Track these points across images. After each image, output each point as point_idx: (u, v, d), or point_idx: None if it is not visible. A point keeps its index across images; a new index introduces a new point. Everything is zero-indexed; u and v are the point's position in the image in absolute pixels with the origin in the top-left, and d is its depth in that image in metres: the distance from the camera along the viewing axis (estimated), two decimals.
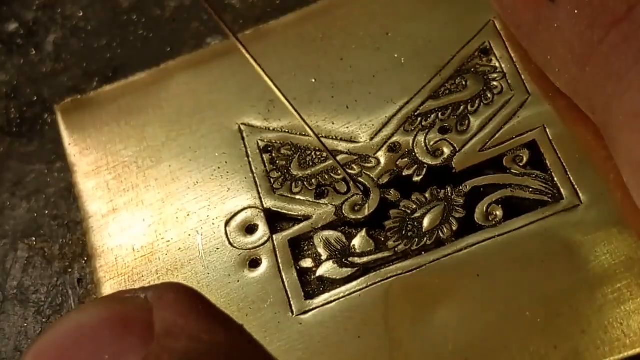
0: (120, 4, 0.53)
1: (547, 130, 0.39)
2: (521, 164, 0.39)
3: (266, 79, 0.36)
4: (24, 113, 0.50)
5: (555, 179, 0.38)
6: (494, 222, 0.38)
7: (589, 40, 0.34)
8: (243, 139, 0.43)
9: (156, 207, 0.43)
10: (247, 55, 0.33)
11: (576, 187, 0.37)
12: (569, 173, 0.38)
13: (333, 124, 0.43)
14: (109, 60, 0.51)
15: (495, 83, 0.41)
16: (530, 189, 0.38)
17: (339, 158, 0.41)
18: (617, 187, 0.36)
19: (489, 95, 0.41)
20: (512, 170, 0.39)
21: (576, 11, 0.34)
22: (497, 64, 0.42)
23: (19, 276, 0.44)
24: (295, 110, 0.36)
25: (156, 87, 0.46)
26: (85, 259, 0.44)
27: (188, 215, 0.42)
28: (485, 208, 0.38)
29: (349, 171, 0.41)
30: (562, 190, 0.38)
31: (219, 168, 0.43)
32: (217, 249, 0.41)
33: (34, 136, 0.49)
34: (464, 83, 0.42)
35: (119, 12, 0.52)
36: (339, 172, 0.41)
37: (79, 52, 0.52)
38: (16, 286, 0.44)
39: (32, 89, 0.51)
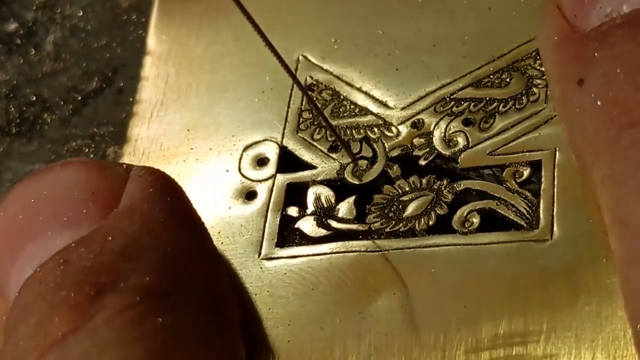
0: (120, 4, 0.53)
1: (557, 154, 0.38)
2: (518, 181, 0.38)
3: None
4: (23, 113, 0.51)
5: (541, 207, 0.37)
6: (466, 230, 0.37)
7: (604, 137, 0.31)
8: (296, 70, 0.44)
9: (196, 113, 0.45)
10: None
11: (554, 221, 0.36)
12: (554, 204, 0.37)
13: (378, 82, 0.43)
14: (108, 60, 0.51)
15: (535, 89, 0.40)
16: (514, 209, 0.37)
17: (367, 118, 0.42)
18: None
19: (524, 100, 0.40)
20: (507, 184, 0.38)
21: (599, 103, 0.32)
22: None
23: None
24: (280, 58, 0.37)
25: None
26: None
27: (218, 130, 0.44)
28: (465, 213, 0.38)
29: (370, 134, 0.41)
30: (540, 219, 0.37)
31: (263, 92, 0.44)
32: (227, 170, 0.42)
33: (33, 136, 0.50)
34: (507, 80, 0.41)
35: (119, 12, 0.53)
36: (361, 130, 0.42)
37: (79, 52, 0.52)
38: None
39: (32, 88, 0.52)
